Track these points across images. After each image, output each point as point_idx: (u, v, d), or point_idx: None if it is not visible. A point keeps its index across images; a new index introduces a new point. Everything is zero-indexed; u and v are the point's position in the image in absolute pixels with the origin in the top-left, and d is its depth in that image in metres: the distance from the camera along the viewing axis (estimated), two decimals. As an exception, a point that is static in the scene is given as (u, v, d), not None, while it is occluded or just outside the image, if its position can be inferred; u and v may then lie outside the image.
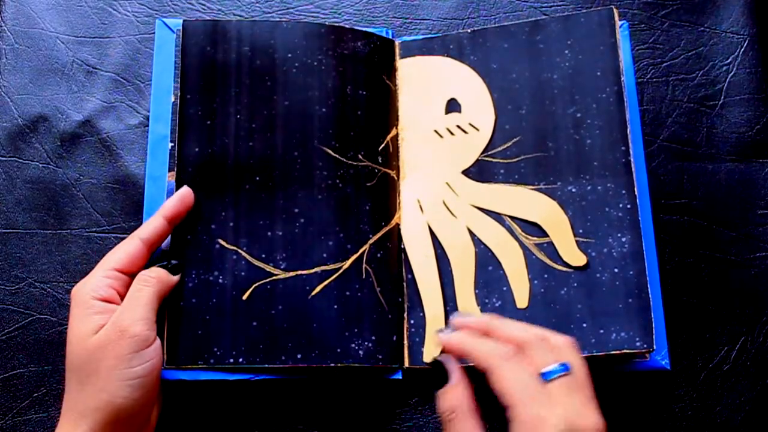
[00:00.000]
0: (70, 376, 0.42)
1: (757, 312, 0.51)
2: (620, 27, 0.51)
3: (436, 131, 0.51)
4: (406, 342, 0.48)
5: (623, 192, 0.48)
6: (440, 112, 0.52)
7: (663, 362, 0.48)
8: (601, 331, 0.46)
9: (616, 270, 0.47)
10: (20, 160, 0.52)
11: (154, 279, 0.44)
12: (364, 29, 0.52)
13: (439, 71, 0.53)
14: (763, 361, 0.50)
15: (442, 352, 0.43)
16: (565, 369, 0.38)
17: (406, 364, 0.47)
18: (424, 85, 0.53)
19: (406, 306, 0.49)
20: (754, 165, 0.54)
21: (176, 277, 0.46)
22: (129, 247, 0.45)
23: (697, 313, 0.51)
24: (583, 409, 0.37)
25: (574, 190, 0.49)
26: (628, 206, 0.48)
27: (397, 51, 0.53)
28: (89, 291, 0.43)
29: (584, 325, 0.46)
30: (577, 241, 0.48)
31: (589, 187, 0.49)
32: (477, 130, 0.51)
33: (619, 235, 0.47)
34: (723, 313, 0.51)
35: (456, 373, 0.41)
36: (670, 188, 0.53)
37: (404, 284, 0.49)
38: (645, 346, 0.45)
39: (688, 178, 0.54)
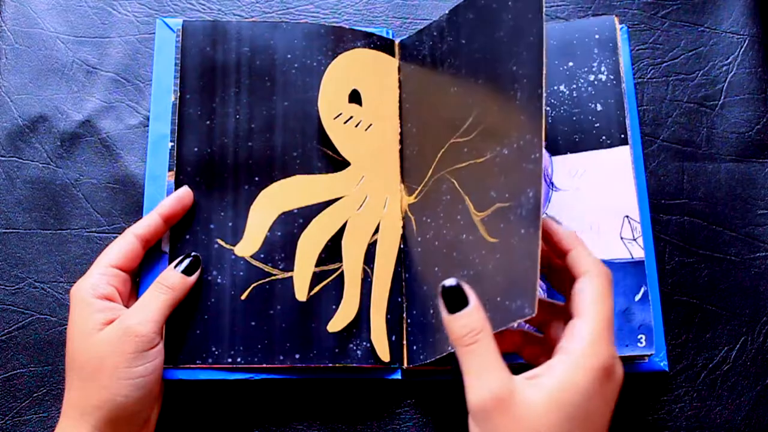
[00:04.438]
0: (71, 374, 0.42)
1: (757, 312, 0.51)
2: (620, 30, 0.52)
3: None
4: (405, 342, 0.48)
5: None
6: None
7: (662, 364, 0.48)
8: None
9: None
10: (20, 160, 0.52)
11: (170, 288, 0.44)
12: (364, 29, 0.52)
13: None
14: (763, 361, 0.50)
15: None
16: None
17: (405, 364, 0.47)
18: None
19: (405, 306, 0.48)
20: (754, 165, 0.54)
21: (193, 278, 0.46)
22: (124, 244, 0.45)
23: (697, 313, 0.51)
24: None
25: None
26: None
27: (397, 51, 0.53)
28: (89, 289, 0.43)
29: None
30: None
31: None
32: None
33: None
34: (723, 313, 0.51)
35: (474, 295, 0.38)
36: (670, 188, 0.53)
37: (403, 284, 0.49)
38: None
39: (688, 178, 0.54)
